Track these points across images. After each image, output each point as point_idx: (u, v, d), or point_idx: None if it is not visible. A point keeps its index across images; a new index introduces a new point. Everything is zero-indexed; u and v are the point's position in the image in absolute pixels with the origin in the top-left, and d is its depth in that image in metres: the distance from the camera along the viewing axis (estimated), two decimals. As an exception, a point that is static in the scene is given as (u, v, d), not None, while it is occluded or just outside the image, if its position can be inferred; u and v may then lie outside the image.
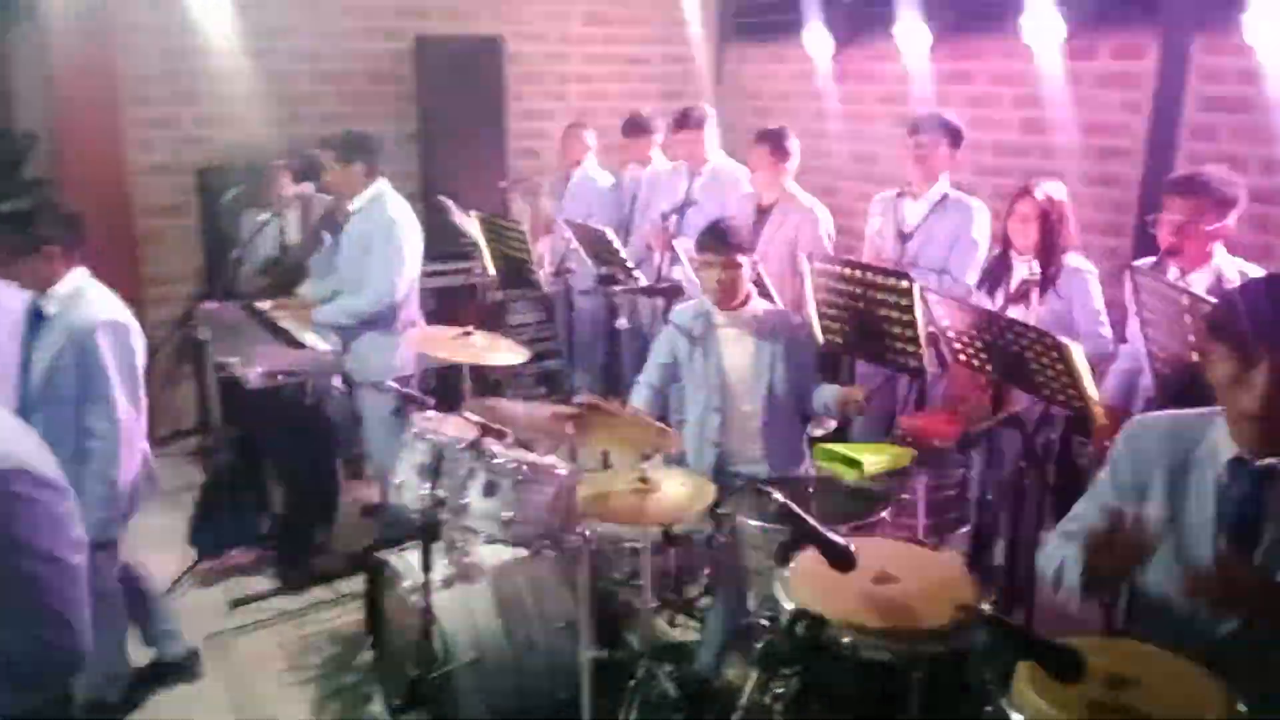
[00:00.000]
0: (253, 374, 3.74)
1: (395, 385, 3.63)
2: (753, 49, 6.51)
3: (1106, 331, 3.64)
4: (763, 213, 4.58)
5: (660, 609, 3.77)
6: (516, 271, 4.50)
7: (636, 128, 5.47)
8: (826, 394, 3.36)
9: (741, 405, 3.42)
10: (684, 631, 3.76)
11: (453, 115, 5.68)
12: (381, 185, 4.18)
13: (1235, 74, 4.07)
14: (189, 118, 5.49)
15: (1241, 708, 1.57)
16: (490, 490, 3.03)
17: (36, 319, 3.01)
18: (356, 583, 3.97)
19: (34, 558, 1.68)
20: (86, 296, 3.03)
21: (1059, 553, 1.94)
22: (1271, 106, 3.94)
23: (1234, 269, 3.19)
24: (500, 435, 3.11)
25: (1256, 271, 3.20)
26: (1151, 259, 3.29)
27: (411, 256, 4.15)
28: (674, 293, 3.98)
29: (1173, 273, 3.22)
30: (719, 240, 3.31)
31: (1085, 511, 1.98)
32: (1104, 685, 1.61)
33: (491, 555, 3.23)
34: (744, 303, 3.41)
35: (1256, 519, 1.72)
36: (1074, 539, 1.93)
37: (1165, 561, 1.80)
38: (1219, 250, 3.23)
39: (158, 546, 3.93)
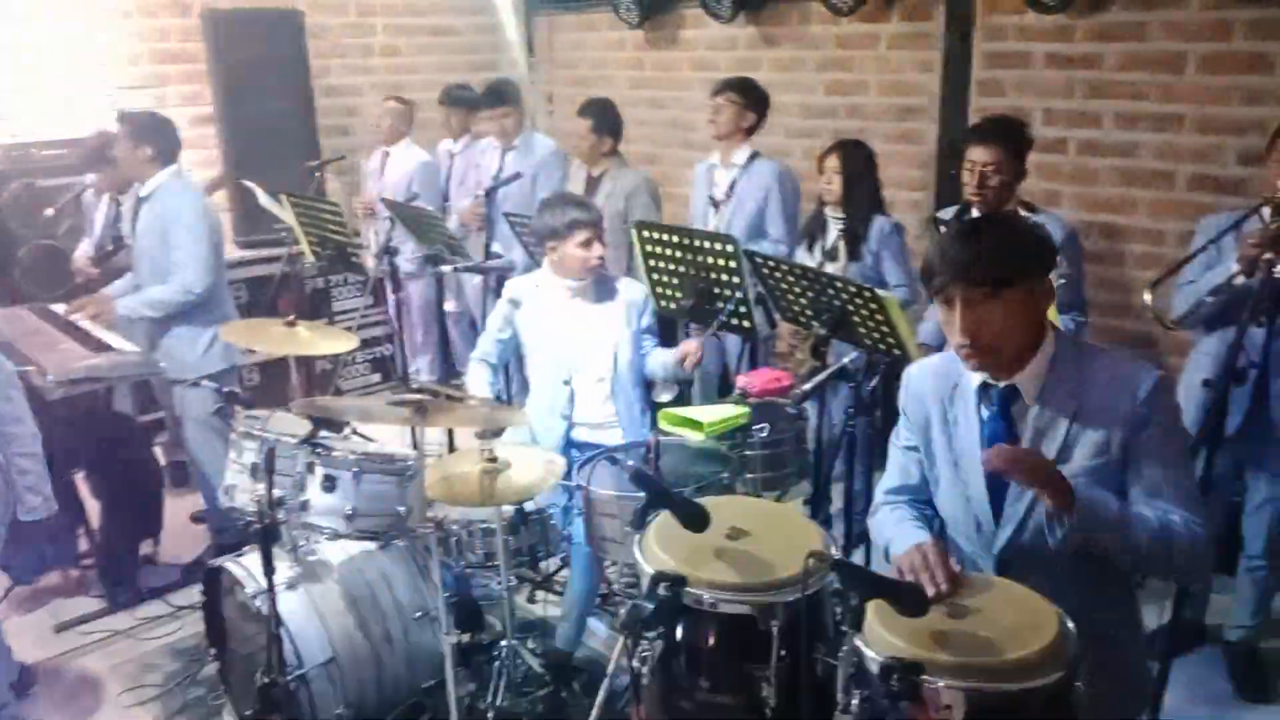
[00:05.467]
0: (51, 382, 3.44)
1: (212, 384, 3.44)
2: (563, 17, 6.47)
3: (910, 281, 3.87)
4: (590, 184, 4.59)
5: (518, 587, 3.77)
6: (338, 255, 4.32)
7: (452, 101, 5.36)
8: (664, 356, 3.42)
9: (588, 375, 3.43)
10: (544, 607, 3.78)
11: (252, 93, 5.36)
12: (172, 170, 3.94)
13: (1015, 30, 4.38)
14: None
15: (1070, 625, 1.72)
16: (330, 485, 2.94)
17: None
18: (191, 593, 3.77)
19: None
20: None
21: (886, 529, 2.09)
22: (1048, 59, 4.28)
23: (1029, 212, 3.44)
24: (337, 427, 3.01)
25: (1047, 215, 3.48)
26: (954, 208, 3.52)
27: (216, 243, 3.95)
28: (504, 268, 3.94)
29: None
30: (589, 213, 3.32)
31: (894, 466, 2.16)
32: (946, 616, 1.73)
33: (337, 552, 3.13)
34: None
35: (1010, 436, 1.90)
36: (896, 507, 2.10)
37: (948, 486, 2.00)
38: (1016, 195, 3.47)
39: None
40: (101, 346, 3.69)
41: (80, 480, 4.06)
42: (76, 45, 5.24)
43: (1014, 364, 1.88)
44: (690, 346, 3.35)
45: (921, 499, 2.13)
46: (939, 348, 3.61)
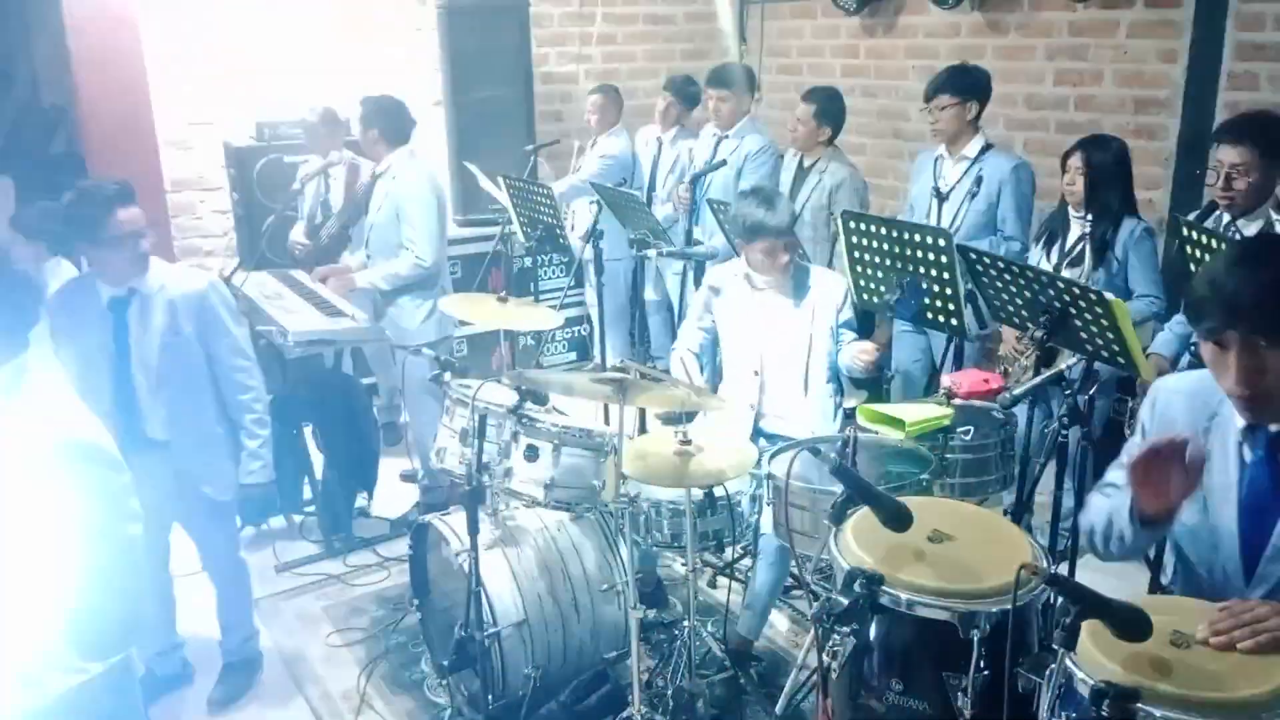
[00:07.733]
0: (291, 342, 3.75)
1: (431, 351, 3.65)
2: (777, 6, 6.42)
3: (1159, 292, 3.59)
4: (800, 173, 4.54)
5: (701, 570, 3.80)
6: (547, 236, 4.48)
7: (675, 90, 5.41)
8: (850, 350, 3.34)
9: (780, 367, 3.41)
10: (724, 593, 3.79)
11: (478, 80, 5.63)
12: (404, 151, 4.20)
13: (1274, 19, 3.99)
14: (214, 89, 5.47)
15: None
16: (532, 454, 3.06)
17: (120, 305, 2.99)
18: (399, 546, 4.02)
19: (95, 530, 1.70)
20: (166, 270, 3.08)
21: (1104, 507, 1.91)
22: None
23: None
24: (541, 400, 3.12)
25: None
26: (1198, 210, 3.26)
27: (444, 221, 4.18)
28: (707, 255, 3.96)
29: (1223, 220, 3.19)
30: (775, 218, 3.27)
31: (1119, 477, 1.95)
32: (1170, 644, 1.62)
33: (533, 519, 3.25)
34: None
35: (1276, 484, 1.70)
36: (1115, 496, 1.90)
37: (1194, 523, 1.80)
38: (1274, 197, 3.18)
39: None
40: (335, 312, 3.99)
41: (309, 434, 4.41)
42: (322, 29, 5.65)
43: None
44: (867, 345, 3.27)
45: None
46: (1174, 361, 3.36)
